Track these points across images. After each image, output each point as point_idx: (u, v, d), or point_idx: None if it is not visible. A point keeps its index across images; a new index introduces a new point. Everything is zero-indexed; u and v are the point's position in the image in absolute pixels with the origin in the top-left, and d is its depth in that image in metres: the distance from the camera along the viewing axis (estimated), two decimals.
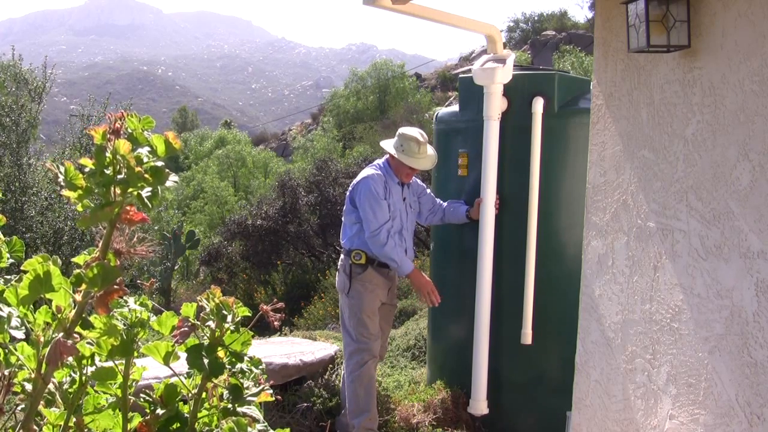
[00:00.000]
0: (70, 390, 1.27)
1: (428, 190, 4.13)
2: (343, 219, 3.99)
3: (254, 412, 1.28)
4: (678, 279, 2.27)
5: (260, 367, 1.33)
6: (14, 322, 1.18)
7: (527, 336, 3.85)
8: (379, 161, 3.98)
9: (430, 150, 3.92)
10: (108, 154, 1.14)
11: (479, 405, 3.92)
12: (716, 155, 2.12)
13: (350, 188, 3.90)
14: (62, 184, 1.16)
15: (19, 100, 11.16)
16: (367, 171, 3.89)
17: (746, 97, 2.02)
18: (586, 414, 2.71)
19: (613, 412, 2.58)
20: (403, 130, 3.89)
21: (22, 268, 1.17)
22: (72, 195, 1.17)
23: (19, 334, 1.20)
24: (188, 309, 1.30)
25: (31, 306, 1.22)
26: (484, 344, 3.87)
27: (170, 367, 1.31)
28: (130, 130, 1.18)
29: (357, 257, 3.80)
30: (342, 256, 3.97)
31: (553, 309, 3.85)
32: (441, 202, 4.10)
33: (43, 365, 1.16)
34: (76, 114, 12.26)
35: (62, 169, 1.16)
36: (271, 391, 1.33)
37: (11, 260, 1.40)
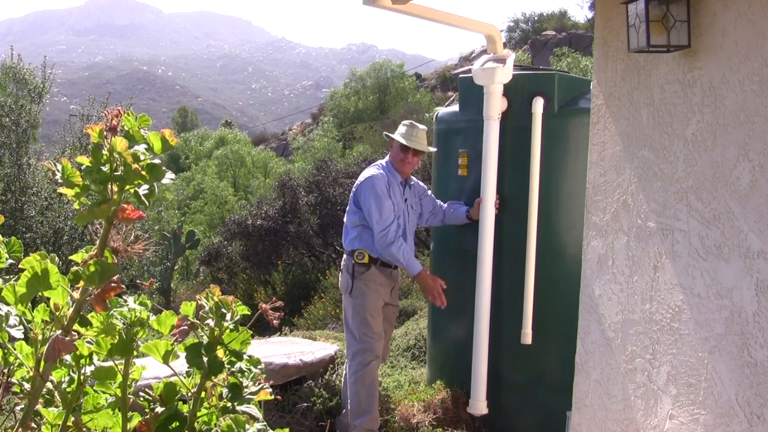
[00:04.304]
0: (68, 389, 1.27)
1: (429, 192, 4.13)
2: (344, 220, 3.98)
3: (253, 410, 1.28)
4: (678, 279, 2.26)
5: (259, 366, 1.33)
6: (12, 320, 1.18)
7: (527, 336, 3.84)
8: (381, 161, 3.98)
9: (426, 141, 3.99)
10: (105, 152, 1.14)
11: (479, 405, 3.91)
12: (716, 155, 2.12)
13: (354, 189, 3.89)
14: (59, 181, 1.16)
15: (19, 101, 11.14)
16: (369, 171, 3.88)
17: (746, 97, 2.02)
18: (586, 414, 2.71)
19: (613, 412, 2.57)
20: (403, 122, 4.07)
21: (20, 266, 1.17)
22: (69, 192, 1.17)
23: (19, 334, 1.20)
24: (187, 308, 1.29)
25: (29, 304, 1.21)
26: (484, 344, 3.86)
27: (170, 366, 1.31)
28: (126, 128, 1.17)
29: (360, 257, 3.80)
30: (345, 256, 3.96)
31: (553, 309, 3.85)
32: (441, 203, 4.10)
33: (42, 363, 1.16)
34: (76, 114, 12.24)
35: (59, 166, 1.16)
36: (270, 390, 1.33)
37: (10, 261, 1.40)
